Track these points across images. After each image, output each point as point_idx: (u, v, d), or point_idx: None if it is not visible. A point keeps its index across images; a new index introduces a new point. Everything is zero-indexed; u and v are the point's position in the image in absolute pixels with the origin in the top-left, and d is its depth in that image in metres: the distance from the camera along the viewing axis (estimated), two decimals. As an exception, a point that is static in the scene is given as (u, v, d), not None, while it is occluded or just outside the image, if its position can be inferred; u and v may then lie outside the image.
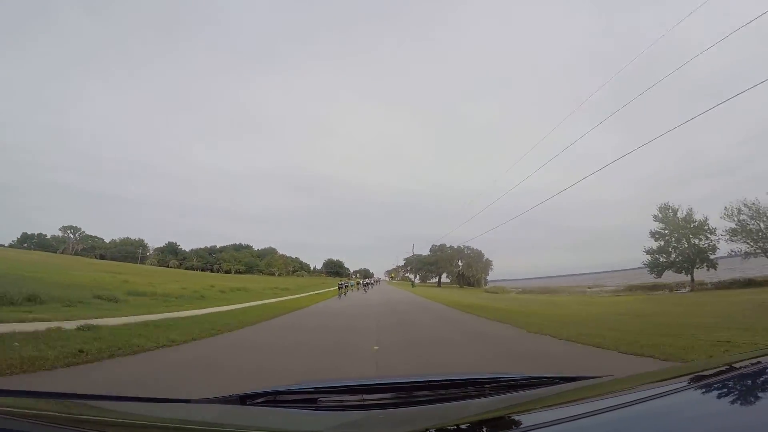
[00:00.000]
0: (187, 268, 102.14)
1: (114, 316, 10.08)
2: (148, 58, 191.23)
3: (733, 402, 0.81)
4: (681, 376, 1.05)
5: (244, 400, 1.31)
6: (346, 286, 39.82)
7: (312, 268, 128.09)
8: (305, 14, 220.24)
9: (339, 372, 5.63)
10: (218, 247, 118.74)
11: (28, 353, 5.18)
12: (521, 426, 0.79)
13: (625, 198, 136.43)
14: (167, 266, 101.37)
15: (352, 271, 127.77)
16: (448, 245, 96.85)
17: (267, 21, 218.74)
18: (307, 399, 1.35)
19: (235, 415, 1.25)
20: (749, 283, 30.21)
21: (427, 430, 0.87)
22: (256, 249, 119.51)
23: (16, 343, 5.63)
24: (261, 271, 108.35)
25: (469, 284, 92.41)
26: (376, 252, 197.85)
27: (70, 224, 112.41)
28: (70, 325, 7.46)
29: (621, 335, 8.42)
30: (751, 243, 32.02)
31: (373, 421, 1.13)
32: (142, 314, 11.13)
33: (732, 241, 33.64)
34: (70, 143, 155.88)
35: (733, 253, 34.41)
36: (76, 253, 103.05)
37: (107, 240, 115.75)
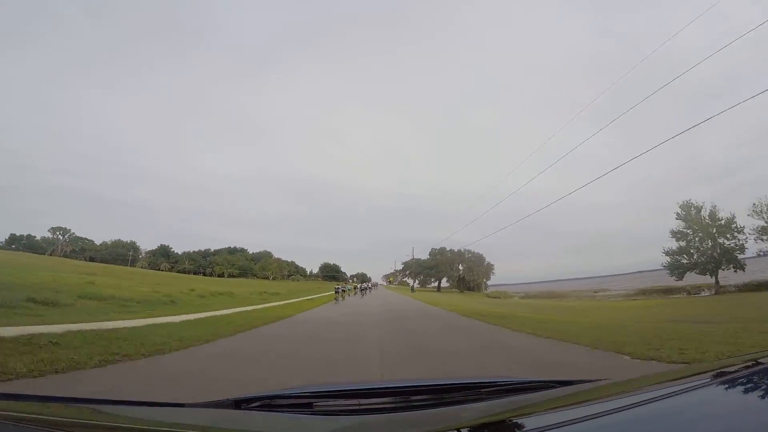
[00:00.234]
0: (179, 272, 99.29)
1: (27, 325, 7.59)
2: (146, 61, 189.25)
3: (733, 403, 0.82)
4: (680, 378, 1.05)
5: (238, 404, 1.30)
6: (343, 291, 38.57)
7: (309, 272, 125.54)
8: (305, 17, 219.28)
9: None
10: (212, 250, 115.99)
11: None
12: (519, 430, 0.79)
13: (623, 201, 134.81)
14: (158, 269, 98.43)
15: (349, 275, 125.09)
16: (448, 249, 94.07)
17: (265, 24, 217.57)
18: (303, 403, 1.33)
19: (229, 419, 1.24)
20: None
21: None
22: (251, 253, 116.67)
23: None
24: (255, 275, 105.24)
25: (469, 289, 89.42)
26: (373, 256, 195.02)
27: (59, 225, 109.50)
28: None
29: (700, 345, 6.49)
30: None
31: (369, 425, 1.10)
32: (71, 322, 8.32)
33: (762, 239, 30.87)
34: (66, 145, 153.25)
35: (762, 253, 31.65)
36: (65, 255, 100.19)
37: (98, 242, 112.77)
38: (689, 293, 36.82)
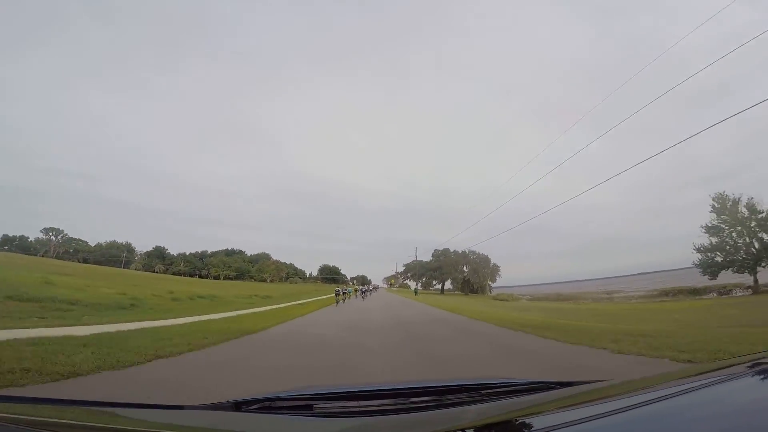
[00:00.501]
0: (173, 274, 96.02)
1: None
2: (146, 62, 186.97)
3: (734, 404, 0.81)
4: (680, 378, 1.04)
5: (238, 406, 1.28)
6: (344, 293, 36.15)
7: (308, 275, 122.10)
8: (305, 18, 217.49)
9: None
10: (209, 252, 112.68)
11: None
12: (521, 431, 0.79)
13: (621, 202, 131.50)
14: (153, 271, 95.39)
15: (349, 277, 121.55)
16: (452, 250, 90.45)
17: (265, 24, 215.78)
18: (303, 405, 1.30)
19: (229, 421, 1.22)
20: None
21: None
22: (249, 255, 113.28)
23: None
24: (252, 277, 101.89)
25: (473, 291, 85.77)
26: (373, 259, 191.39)
27: (51, 226, 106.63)
28: None
29: None
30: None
31: (370, 427, 1.10)
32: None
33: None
34: (65, 144, 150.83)
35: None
36: (58, 257, 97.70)
37: (93, 243, 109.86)
38: (721, 293, 33.69)
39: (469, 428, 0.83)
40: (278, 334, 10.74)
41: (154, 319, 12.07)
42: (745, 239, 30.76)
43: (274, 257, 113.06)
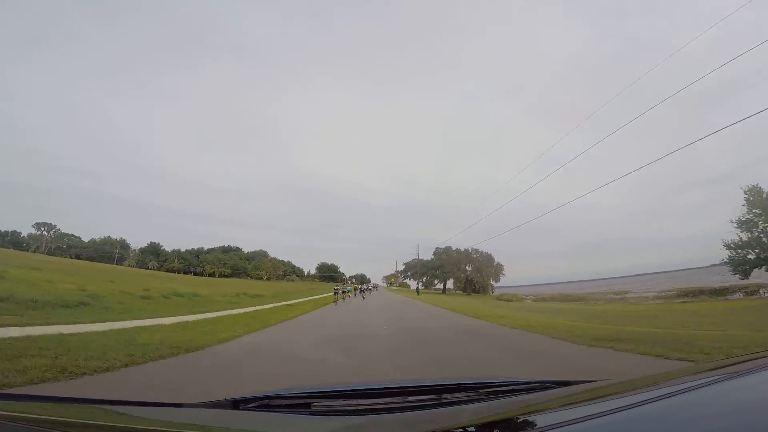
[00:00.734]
0: (167, 270, 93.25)
1: None
2: (147, 63, 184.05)
3: (732, 403, 0.81)
4: (678, 378, 1.04)
5: (236, 404, 1.27)
6: (344, 292, 34.23)
7: (306, 273, 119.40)
8: (306, 18, 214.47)
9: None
10: (205, 249, 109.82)
11: None
12: (518, 430, 0.80)
13: (619, 203, 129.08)
14: (146, 268, 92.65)
15: (347, 276, 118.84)
16: (454, 248, 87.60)
17: (265, 25, 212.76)
18: (301, 404, 1.30)
19: (227, 419, 1.22)
20: None
21: None
22: (246, 252, 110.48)
23: None
24: (249, 275, 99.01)
25: (475, 291, 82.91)
26: (372, 257, 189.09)
27: (44, 221, 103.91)
28: None
29: None
30: None
31: (368, 426, 1.09)
32: None
33: None
34: (64, 143, 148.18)
35: None
36: (50, 252, 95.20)
37: (86, 239, 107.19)
38: (749, 293, 31.09)
39: (468, 427, 0.83)
40: (235, 353, 7.30)
41: (92, 322, 9.36)
42: (781, 234, 28.04)
43: (272, 255, 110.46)
